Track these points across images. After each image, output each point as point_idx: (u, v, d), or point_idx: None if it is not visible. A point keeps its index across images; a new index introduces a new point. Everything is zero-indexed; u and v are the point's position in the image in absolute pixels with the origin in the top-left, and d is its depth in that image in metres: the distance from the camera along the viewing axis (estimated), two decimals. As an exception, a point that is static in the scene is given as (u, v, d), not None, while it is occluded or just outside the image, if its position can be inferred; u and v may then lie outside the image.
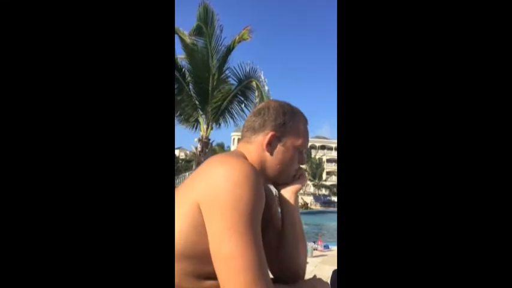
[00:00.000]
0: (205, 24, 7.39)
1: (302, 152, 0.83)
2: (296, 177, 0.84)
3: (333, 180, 48.89)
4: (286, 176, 0.81)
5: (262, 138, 0.78)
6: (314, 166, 37.70)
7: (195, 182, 0.65)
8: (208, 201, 0.61)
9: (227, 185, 0.60)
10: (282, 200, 0.83)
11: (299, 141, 0.80)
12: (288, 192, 0.82)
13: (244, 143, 0.80)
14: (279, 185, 0.84)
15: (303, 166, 0.88)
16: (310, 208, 21.54)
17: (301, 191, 0.85)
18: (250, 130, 0.80)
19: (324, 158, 48.92)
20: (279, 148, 0.78)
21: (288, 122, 0.79)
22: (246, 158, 0.75)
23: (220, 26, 7.62)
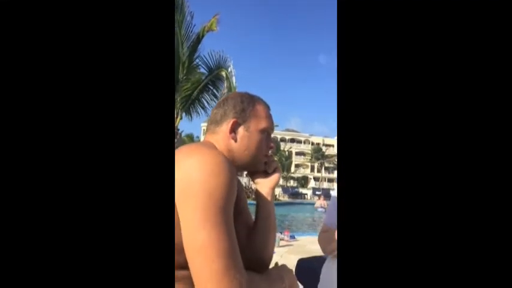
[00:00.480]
0: (174, 10, 7.10)
1: (269, 135, 0.83)
2: (269, 166, 0.84)
3: (301, 172, 50.02)
4: (256, 161, 0.81)
5: (225, 127, 0.78)
6: (283, 159, 38.30)
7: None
8: (181, 192, 0.59)
9: (200, 175, 0.60)
10: (258, 192, 0.83)
11: (262, 124, 0.80)
12: (264, 186, 0.83)
13: (209, 134, 0.81)
14: (255, 177, 0.84)
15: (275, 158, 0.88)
16: (278, 199, 21.92)
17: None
18: (213, 123, 0.81)
19: (293, 151, 49.86)
20: (243, 134, 0.79)
21: (247, 107, 0.80)
22: (215, 148, 0.75)
23: (191, 12, 7.37)
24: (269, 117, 0.84)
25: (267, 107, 0.86)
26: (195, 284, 0.57)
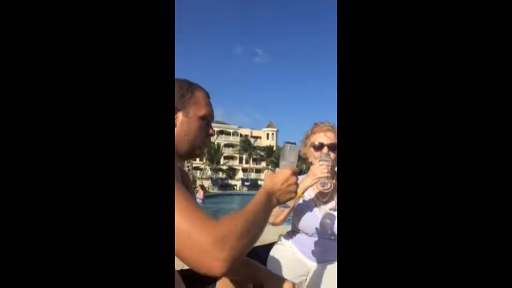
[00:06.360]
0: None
1: (209, 122, 0.86)
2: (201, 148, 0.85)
3: (230, 164, 50.48)
4: (195, 147, 0.83)
5: None
6: (212, 151, 38.04)
7: None
8: None
9: None
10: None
11: (201, 111, 0.82)
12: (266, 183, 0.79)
13: None
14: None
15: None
16: (208, 192, 21.76)
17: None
18: None
19: (222, 143, 49.92)
20: (182, 119, 0.80)
21: (186, 94, 0.81)
22: None
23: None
24: (208, 104, 0.85)
25: (207, 95, 0.87)
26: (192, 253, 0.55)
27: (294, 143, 0.93)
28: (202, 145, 0.84)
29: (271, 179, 0.77)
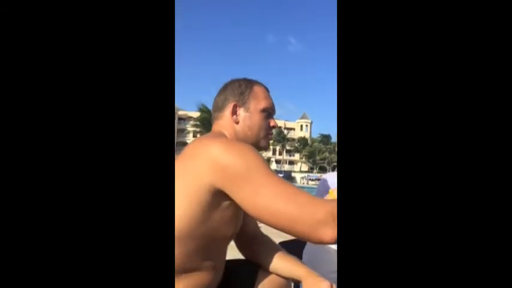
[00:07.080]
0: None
1: (270, 114, 0.89)
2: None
3: (263, 155, 50.38)
4: (260, 139, 0.87)
5: (227, 112, 0.85)
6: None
7: (198, 169, 0.68)
8: (228, 180, 0.65)
9: (233, 158, 0.66)
10: None
11: (261, 104, 0.86)
12: None
13: (216, 122, 0.87)
14: None
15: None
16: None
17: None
18: (217, 110, 0.87)
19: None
20: (244, 115, 0.84)
21: (245, 90, 0.86)
22: (224, 136, 0.82)
23: None
24: (268, 97, 0.89)
25: (265, 89, 0.90)
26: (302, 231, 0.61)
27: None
28: (267, 136, 0.88)
29: None
